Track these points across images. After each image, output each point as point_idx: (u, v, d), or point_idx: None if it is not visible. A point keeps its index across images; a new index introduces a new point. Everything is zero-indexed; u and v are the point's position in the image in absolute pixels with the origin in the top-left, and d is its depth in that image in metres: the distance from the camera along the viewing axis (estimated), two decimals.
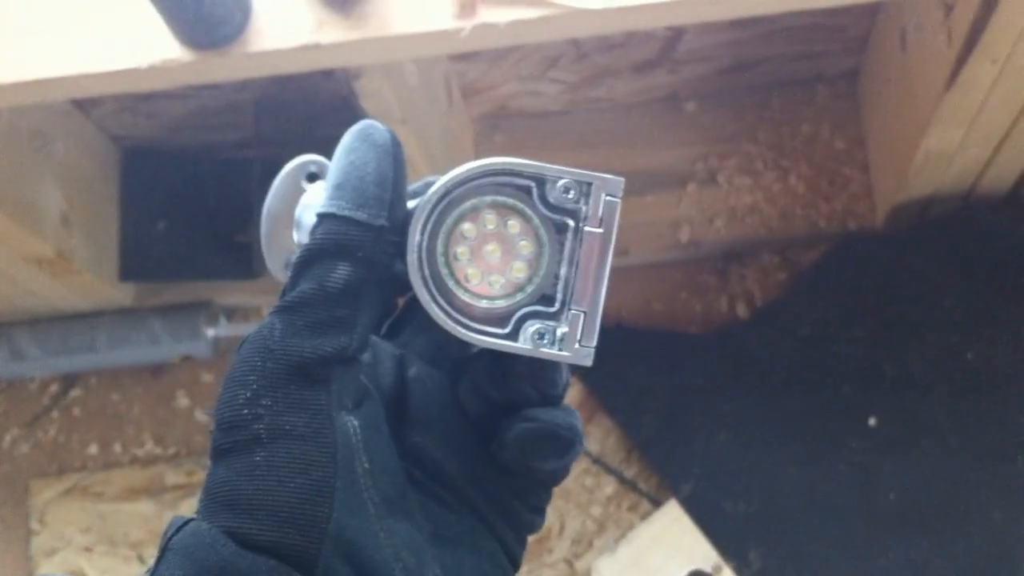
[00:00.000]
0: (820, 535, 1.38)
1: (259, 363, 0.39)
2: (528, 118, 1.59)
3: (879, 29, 1.44)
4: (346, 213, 0.40)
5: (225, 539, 0.38)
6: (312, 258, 0.40)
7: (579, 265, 0.41)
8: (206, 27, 0.96)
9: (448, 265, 0.42)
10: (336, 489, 0.38)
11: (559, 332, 0.42)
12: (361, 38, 0.97)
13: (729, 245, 1.54)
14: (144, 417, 1.58)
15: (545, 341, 0.42)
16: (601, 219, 0.41)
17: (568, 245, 0.41)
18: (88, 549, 1.52)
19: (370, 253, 0.40)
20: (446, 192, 0.41)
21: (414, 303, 0.47)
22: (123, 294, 1.55)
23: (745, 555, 1.38)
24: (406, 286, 0.43)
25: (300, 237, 0.48)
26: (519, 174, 0.41)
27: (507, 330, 0.42)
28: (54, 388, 1.61)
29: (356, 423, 0.40)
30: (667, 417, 1.46)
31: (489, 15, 0.96)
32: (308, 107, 1.48)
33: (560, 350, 0.41)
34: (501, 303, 0.42)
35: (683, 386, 1.47)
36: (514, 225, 0.41)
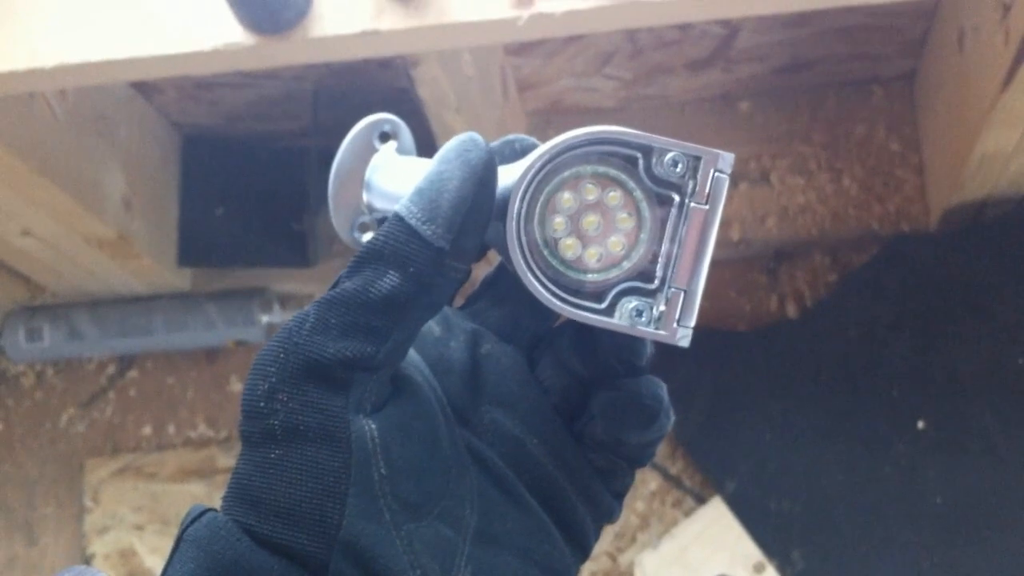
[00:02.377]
0: (864, 537, 1.38)
1: (281, 356, 0.38)
2: (582, 114, 1.60)
3: (936, 30, 1.44)
4: (413, 223, 0.38)
5: (240, 534, 0.37)
6: (368, 258, 0.39)
7: (682, 242, 0.39)
8: (269, 12, 0.98)
9: (544, 235, 0.40)
10: (348, 495, 0.37)
11: (657, 310, 0.40)
12: (419, 25, 0.99)
13: (780, 244, 1.54)
14: (198, 400, 1.61)
15: (643, 319, 0.40)
16: (708, 195, 0.39)
17: (672, 221, 0.40)
18: (139, 528, 1.55)
19: (421, 271, 0.38)
20: (550, 159, 0.39)
21: (491, 277, 0.47)
22: (180, 279, 1.58)
23: (788, 554, 1.38)
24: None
25: (370, 198, 0.47)
26: (626, 143, 0.39)
27: (603, 305, 0.40)
28: (111, 369, 1.64)
29: (374, 427, 0.39)
30: (712, 415, 1.46)
31: (545, 4, 0.97)
32: (365, 97, 1.50)
33: (657, 329, 0.40)
34: (597, 277, 0.40)
35: (729, 384, 1.48)
36: (615, 197, 0.40)
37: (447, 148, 0.40)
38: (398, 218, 0.39)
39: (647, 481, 1.49)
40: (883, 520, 1.38)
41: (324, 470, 0.37)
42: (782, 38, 1.47)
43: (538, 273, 0.40)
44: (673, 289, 0.40)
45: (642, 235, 0.40)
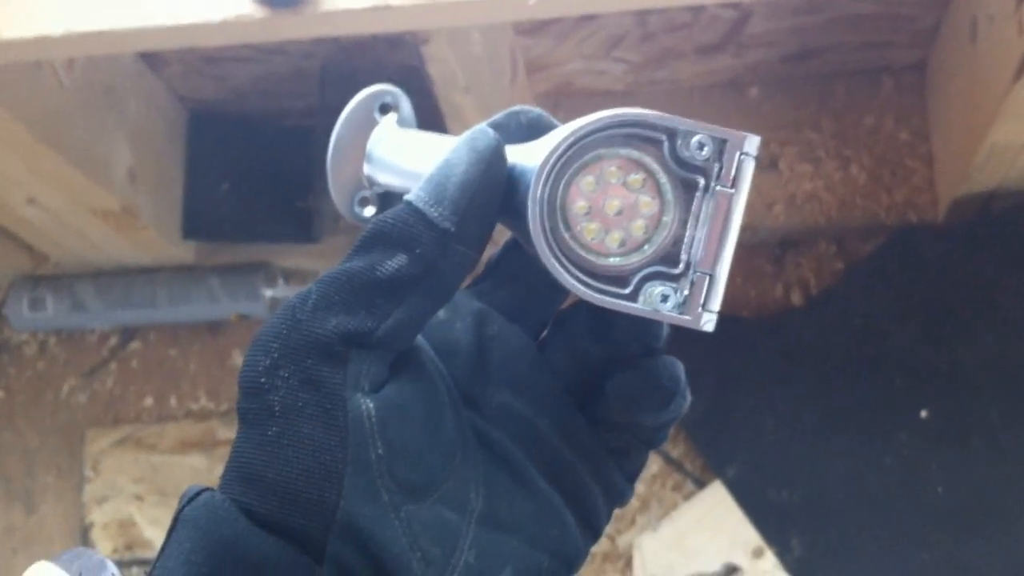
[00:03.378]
0: (864, 527, 1.38)
1: (284, 331, 0.38)
2: (590, 97, 1.59)
3: (949, 20, 1.43)
4: (420, 206, 0.39)
5: (237, 513, 0.37)
6: (376, 238, 0.39)
7: (706, 226, 0.39)
8: None
9: (566, 219, 0.39)
10: (346, 475, 0.37)
11: (681, 295, 0.39)
12: (431, 1, 0.98)
13: (786, 232, 1.54)
14: (200, 373, 1.61)
15: (668, 304, 0.39)
16: (734, 178, 0.39)
17: (696, 204, 0.39)
18: (139, 498, 1.56)
19: (427, 251, 0.38)
20: (574, 142, 0.39)
21: (497, 257, 0.46)
22: (185, 252, 1.58)
23: (787, 542, 1.38)
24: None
25: (371, 171, 0.46)
26: (651, 126, 0.39)
27: (627, 290, 0.40)
28: (113, 340, 1.64)
29: (371, 406, 0.38)
30: (715, 400, 1.46)
31: None
32: (373, 76, 1.49)
33: (681, 314, 0.39)
34: (620, 261, 0.40)
35: (733, 370, 1.47)
36: (637, 180, 0.39)
37: (459, 139, 0.40)
38: (407, 203, 0.39)
39: (648, 464, 1.48)
40: (884, 510, 1.38)
41: (321, 448, 0.37)
42: (793, 24, 1.46)
43: (561, 258, 0.39)
44: (698, 273, 0.39)
45: (665, 218, 0.39)
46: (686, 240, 0.39)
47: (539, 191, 0.39)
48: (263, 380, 0.38)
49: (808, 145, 1.55)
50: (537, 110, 0.43)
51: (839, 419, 1.42)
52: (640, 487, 1.48)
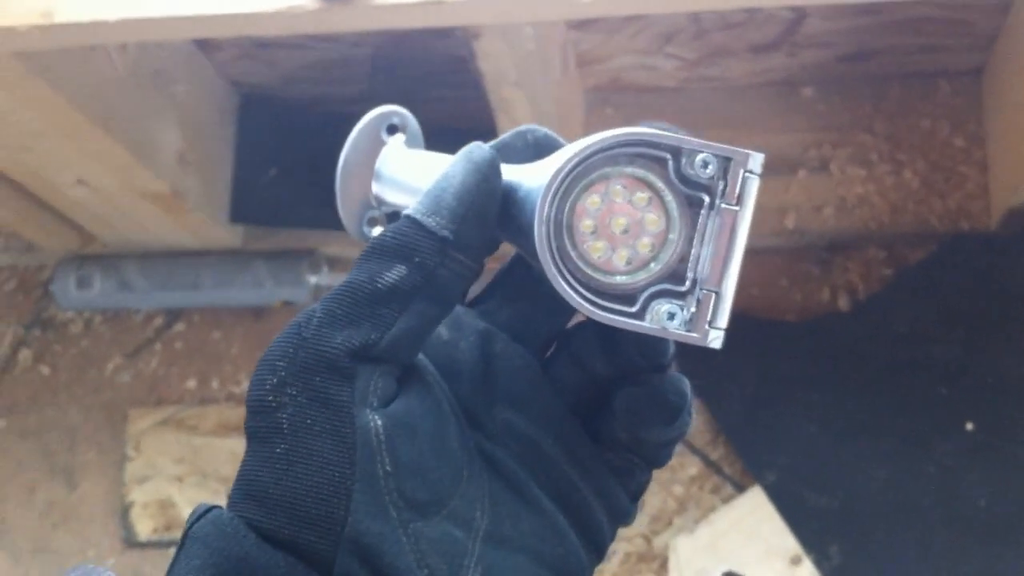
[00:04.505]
0: (903, 536, 1.36)
1: (291, 350, 0.39)
2: (640, 93, 1.58)
3: (1009, 26, 1.40)
4: (417, 216, 0.39)
5: (246, 530, 0.37)
6: (375, 252, 0.39)
7: (712, 243, 0.39)
8: None
9: (573, 238, 0.40)
10: (354, 491, 0.37)
11: (688, 312, 0.40)
12: None
13: (835, 236, 1.52)
14: (242, 357, 1.62)
15: (675, 322, 0.40)
16: (739, 196, 0.39)
17: (702, 222, 0.39)
18: (179, 479, 1.57)
19: (426, 259, 0.39)
20: (580, 162, 0.39)
21: (501, 276, 0.46)
22: (231, 236, 1.59)
23: (825, 549, 1.37)
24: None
25: (380, 191, 0.47)
26: (656, 145, 0.39)
27: (635, 308, 0.40)
28: (158, 321, 1.65)
29: (380, 423, 0.38)
30: (756, 403, 1.45)
31: None
32: (423, 67, 1.50)
33: (689, 331, 0.39)
34: (626, 279, 0.40)
35: (776, 374, 1.46)
36: (643, 198, 0.40)
37: (455, 157, 0.41)
38: (405, 216, 0.40)
39: (686, 466, 1.48)
40: (923, 520, 1.36)
41: (330, 465, 0.37)
42: (850, 25, 1.44)
43: (568, 277, 0.39)
44: (704, 291, 0.39)
45: (671, 236, 0.40)
46: (692, 258, 0.40)
47: (545, 210, 0.39)
48: (271, 399, 0.38)
49: (861, 148, 1.53)
50: (544, 129, 0.44)
51: (882, 426, 1.41)
52: (678, 488, 1.47)
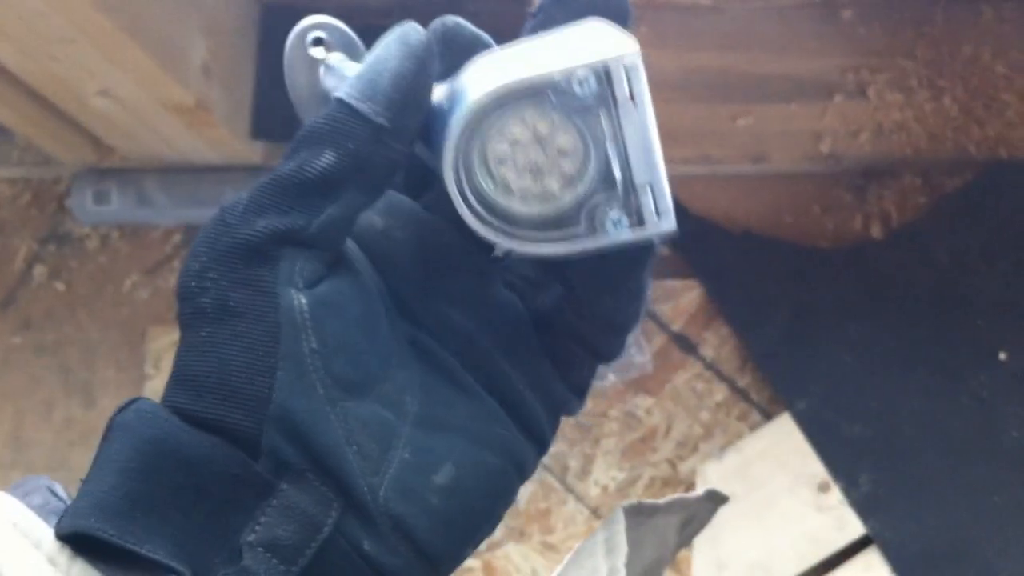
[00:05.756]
0: (935, 466, 1.35)
1: (213, 236, 0.38)
2: (676, 11, 1.54)
3: None
4: (351, 102, 0.38)
5: (169, 415, 0.37)
6: (305, 139, 0.38)
7: (629, 144, 0.40)
8: None
9: (497, 187, 0.40)
10: (278, 368, 0.37)
11: (632, 213, 0.40)
12: None
13: (871, 162, 1.50)
14: None
15: (624, 227, 0.40)
16: (631, 92, 0.39)
17: (608, 129, 0.40)
18: None
19: (360, 147, 0.38)
20: (466, 129, 0.39)
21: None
22: (252, 151, 1.55)
23: (855, 477, 1.36)
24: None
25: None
26: (532, 87, 0.39)
27: (579, 229, 0.41)
28: (177, 238, 1.62)
29: (304, 301, 0.38)
30: (789, 331, 1.43)
31: None
32: None
33: (639, 227, 0.40)
34: (559, 204, 0.40)
35: (808, 302, 1.44)
36: (544, 125, 0.40)
37: (385, 36, 0.40)
38: (338, 100, 0.39)
39: (713, 392, 1.47)
40: (956, 450, 1.36)
41: (252, 343, 0.37)
42: None
43: (505, 228, 0.40)
44: (638, 188, 0.40)
45: (586, 150, 0.40)
46: (615, 162, 0.40)
47: (453, 180, 0.40)
48: (193, 284, 0.38)
49: (900, 73, 1.50)
50: (467, 25, 0.43)
51: (916, 356, 1.39)
52: (704, 414, 1.46)
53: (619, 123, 0.40)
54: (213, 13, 1.40)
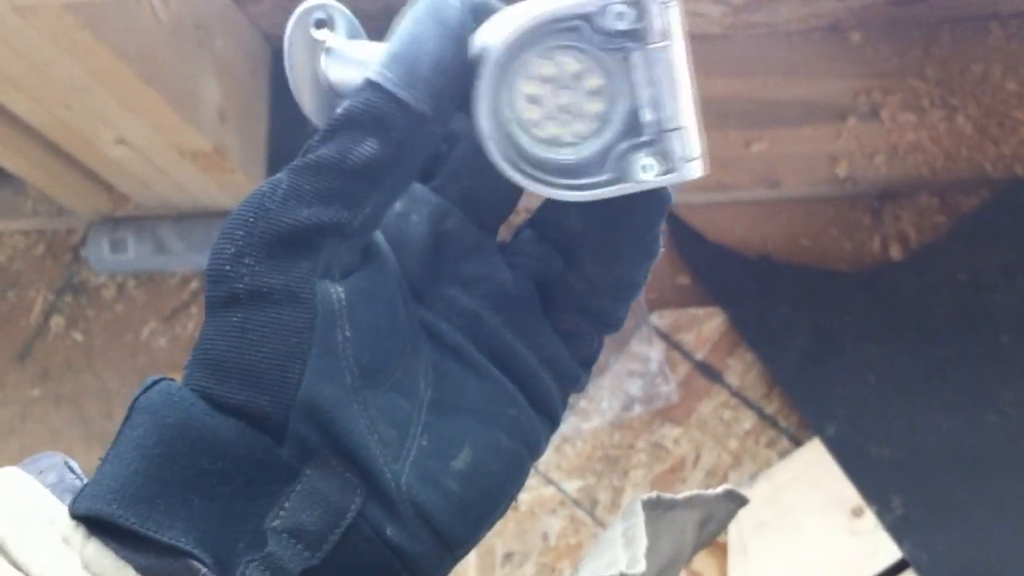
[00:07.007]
0: (966, 486, 1.35)
1: (251, 220, 0.37)
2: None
3: None
4: (391, 88, 0.37)
5: (194, 398, 0.37)
6: (344, 124, 0.37)
7: (658, 85, 0.38)
8: None
9: (526, 130, 0.39)
10: (311, 356, 0.37)
11: (662, 158, 0.39)
12: None
13: (887, 183, 1.50)
14: None
15: (653, 172, 0.39)
16: (664, 30, 0.38)
17: (640, 69, 0.38)
18: None
19: (403, 137, 0.37)
20: (497, 68, 0.38)
21: (456, 152, 0.45)
22: None
23: (888, 501, 1.35)
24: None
25: (334, 94, 0.44)
26: (564, 18, 0.38)
27: (608, 175, 0.39)
28: (194, 284, 1.62)
29: (341, 291, 0.38)
30: (811, 355, 1.43)
31: None
32: None
33: (667, 174, 0.39)
34: (589, 147, 0.39)
35: (830, 325, 1.44)
36: (572, 65, 0.38)
37: (417, 8, 0.38)
38: (374, 85, 0.37)
39: (741, 420, 1.46)
40: (986, 470, 1.35)
41: (287, 329, 0.37)
42: None
43: (536, 173, 0.39)
44: (668, 131, 0.39)
45: (617, 91, 0.39)
46: (644, 106, 0.39)
47: (484, 127, 0.38)
48: (228, 268, 0.37)
49: (912, 93, 1.50)
50: None
51: (941, 376, 1.39)
52: (733, 442, 1.45)
53: (651, 63, 0.38)
54: (226, 57, 1.41)
